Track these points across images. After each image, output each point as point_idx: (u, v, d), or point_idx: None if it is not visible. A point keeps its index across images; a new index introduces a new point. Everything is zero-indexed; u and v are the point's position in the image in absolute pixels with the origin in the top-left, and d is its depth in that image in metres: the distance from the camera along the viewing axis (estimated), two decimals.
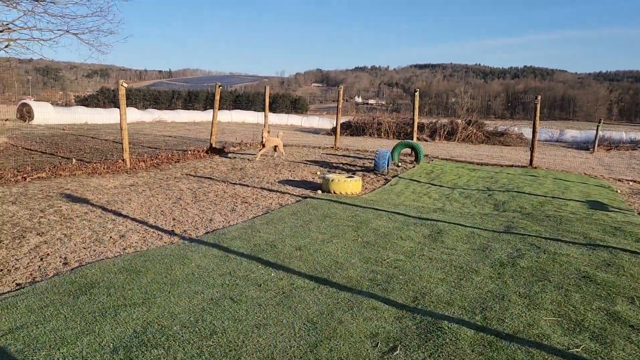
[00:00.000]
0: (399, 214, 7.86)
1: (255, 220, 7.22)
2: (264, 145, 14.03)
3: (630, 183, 12.33)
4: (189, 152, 14.66)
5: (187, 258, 5.34)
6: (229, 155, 14.94)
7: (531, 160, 14.20)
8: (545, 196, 9.58)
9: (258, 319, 3.90)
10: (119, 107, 12.32)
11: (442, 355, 3.42)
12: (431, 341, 3.62)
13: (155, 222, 7.04)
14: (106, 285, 4.47)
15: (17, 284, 4.60)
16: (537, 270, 5.21)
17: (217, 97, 15.68)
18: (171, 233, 6.50)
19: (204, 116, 43.09)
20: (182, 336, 3.56)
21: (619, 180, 12.75)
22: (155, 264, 5.09)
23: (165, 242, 6.06)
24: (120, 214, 7.34)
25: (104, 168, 11.20)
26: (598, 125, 23.96)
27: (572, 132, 30.60)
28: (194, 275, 4.84)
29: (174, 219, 7.24)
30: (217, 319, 3.88)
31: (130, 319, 3.80)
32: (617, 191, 10.75)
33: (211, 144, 15.50)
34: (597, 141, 23.57)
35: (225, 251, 5.64)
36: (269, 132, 14.18)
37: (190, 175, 11.24)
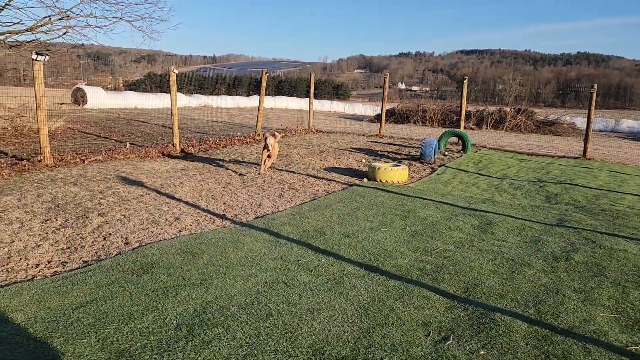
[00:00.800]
0: (446, 203, 7.80)
1: (303, 207, 7.33)
2: (269, 156, 9.95)
3: None
4: (236, 138, 14.93)
5: (240, 242, 5.50)
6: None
7: (585, 151, 13.73)
8: (600, 189, 9.27)
9: (311, 304, 4.00)
10: (166, 92, 12.68)
11: (496, 347, 3.42)
12: (484, 332, 3.63)
13: (206, 206, 7.25)
14: (165, 266, 4.68)
15: (84, 262, 4.87)
16: (592, 266, 5.10)
17: (264, 84, 15.85)
18: (222, 217, 6.69)
19: (248, 102, 43.64)
20: (240, 317, 3.70)
21: None
22: (210, 247, 5.28)
23: (217, 226, 6.25)
24: (173, 197, 7.61)
25: (155, 152, 11.57)
26: None
27: (629, 122, 29.25)
28: (247, 258, 4.99)
29: (224, 203, 7.44)
30: (271, 302, 4.01)
31: (190, 299, 3.98)
32: None
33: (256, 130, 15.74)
34: None
35: (276, 236, 5.78)
36: (277, 135, 10.02)
37: (237, 161, 11.47)
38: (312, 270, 4.73)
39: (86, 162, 10.02)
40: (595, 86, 13.94)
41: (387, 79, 18.46)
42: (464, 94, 17.59)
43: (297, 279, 4.50)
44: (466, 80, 17.70)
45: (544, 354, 3.35)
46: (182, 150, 12.19)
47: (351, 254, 5.27)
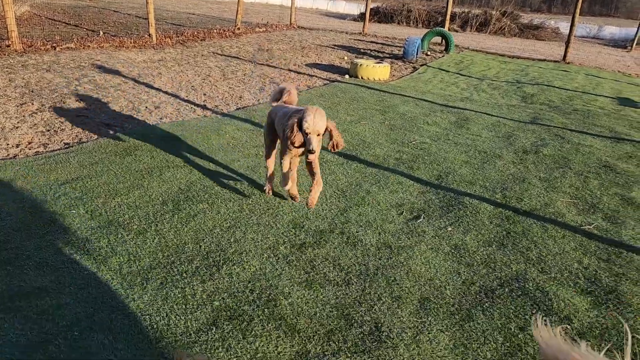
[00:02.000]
0: (426, 100, 7.89)
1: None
2: (292, 142, 3.18)
3: None
4: (215, 31, 14.40)
5: (222, 130, 5.57)
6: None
7: (565, 55, 13.72)
8: (575, 91, 9.44)
9: (298, 183, 4.18)
10: None
11: (462, 225, 3.70)
12: (452, 212, 3.89)
13: (187, 96, 7.20)
14: (148, 149, 4.76)
15: (66, 144, 4.91)
16: (559, 158, 5.36)
17: None
18: (203, 107, 6.68)
19: None
20: (224, 195, 3.88)
21: None
22: (192, 133, 5.34)
23: (198, 115, 6.27)
24: (152, 87, 7.50)
25: (130, 42, 11.16)
26: None
27: (611, 29, 28.94)
28: (229, 145, 5.09)
29: (204, 94, 7.39)
30: (255, 183, 4.17)
31: (174, 178, 4.11)
32: None
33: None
34: (636, 39, 22.40)
35: (257, 126, 5.85)
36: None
37: (217, 53, 11.18)
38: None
39: (58, 49, 9.65)
40: None
41: None
42: None
43: (278, 165, 4.65)
44: None
45: (506, 231, 3.65)
46: (159, 42, 11.77)
47: None
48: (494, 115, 7.17)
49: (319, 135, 3.07)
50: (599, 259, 3.33)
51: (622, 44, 24.59)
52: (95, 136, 5.18)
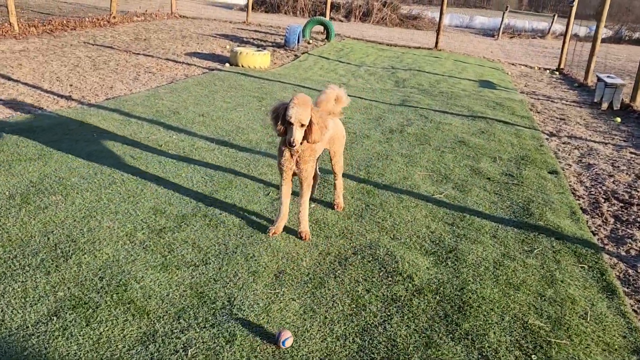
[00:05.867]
0: (304, 87, 8.06)
1: (158, 89, 7.12)
2: (277, 131, 3.03)
3: (521, 67, 13.28)
4: (87, 20, 13.52)
5: (86, 121, 5.29)
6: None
7: (436, 43, 14.70)
8: (443, 75, 10.16)
9: (157, 173, 4.10)
10: None
11: (325, 201, 3.87)
12: (318, 190, 4.05)
13: (50, 87, 6.72)
14: None
15: None
16: (421, 136, 5.77)
17: None
18: (68, 98, 6.29)
19: None
20: (81, 186, 3.71)
21: (512, 64, 13.67)
22: (52, 126, 5.02)
23: (61, 106, 5.89)
24: (9, 78, 6.91)
25: None
26: (504, 13, 24.77)
27: (481, 19, 31.40)
28: (94, 136, 4.86)
29: (71, 85, 6.95)
30: (116, 172, 4.03)
31: (25, 172, 3.85)
32: (508, 73, 11.60)
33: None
34: (501, 28, 24.52)
35: (127, 116, 5.63)
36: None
37: (88, 43, 10.53)
38: (161, 145, 4.77)
39: None
40: None
41: None
42: None
43: (145, 153, 4.53)
44: None
45: (365, 204, 3.88)
46: (22, 32, 10.82)
47: (204, 131, 5.36)
48: (367, 100, 7.52)
49: (302, 126, 2.83)
50: (445, 223, 3.66)
51: (490, 33, 26.75)
52: None
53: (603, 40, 22.79)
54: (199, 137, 5.17)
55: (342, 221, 3.56)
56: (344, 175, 4.38)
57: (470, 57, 13.45)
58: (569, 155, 5.68)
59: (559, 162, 5.37)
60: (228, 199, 3.75)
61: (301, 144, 2.93)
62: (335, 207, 3.71)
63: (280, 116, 2.85)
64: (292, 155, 3.07)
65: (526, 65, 13.63)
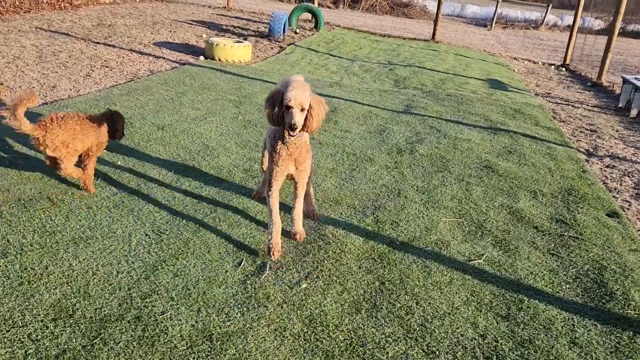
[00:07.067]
0: None
1: (113, 90, 5.84)
2: (270, 118, 2.71)
3: (526, 62, 12.19)
4: (45, 1, 12.02)
5: (1, 136, 4.02)
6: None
7: (434, 34, 13.51)
8: (447, 73, 8.99)
9: (78, 232, 2.89)
10: None
11: (322, 276, 2.70)
12: (310, 256, 2.88)
13: None
14: None
15: None
16: (437, 159, 4.60)
17: None
18: None
19: None
20: None
21: (515, 58, 12.57)
22: None
23: None
24: None
25: None
26: (497, 3, 23.66)
27: (473, 8, 30.25)
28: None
29: (1, 84, 5.62)
30: (3, 233, 2.81)
31: None
32: (514, 70, 10.49)
33: None
34: (495, 18, 23.42)
35: None
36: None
37: (41, 29, 9.11)
38: (97, 180, 3.54)
39: None
40: None
41: None
42: None
43: (68, 195, 3.31)
44: None
45: (379, 281, 2.71)
46: None
47: (161, 153, 4.14)
48: (366, 104, 6.32)
49: (302, 110, 2.57)
50: (496, 316, 2.53)
51: (483, 22, 25.66)
52: None
53: (597, 33, 21.83)
54: (153, 162, 3.94)
55: (347, 318, 2.40)
56: (345, 223, 3.21)
57: (471, 51, 12.31)
58: (621, 185, 4.57)
59: (613, 197, 4.26)
60: (179, 278, 2.55)
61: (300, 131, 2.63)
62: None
63: (277, 102, 2.59)
64: (290, 154, 2.75)
65: (530, 60, 12.54)
